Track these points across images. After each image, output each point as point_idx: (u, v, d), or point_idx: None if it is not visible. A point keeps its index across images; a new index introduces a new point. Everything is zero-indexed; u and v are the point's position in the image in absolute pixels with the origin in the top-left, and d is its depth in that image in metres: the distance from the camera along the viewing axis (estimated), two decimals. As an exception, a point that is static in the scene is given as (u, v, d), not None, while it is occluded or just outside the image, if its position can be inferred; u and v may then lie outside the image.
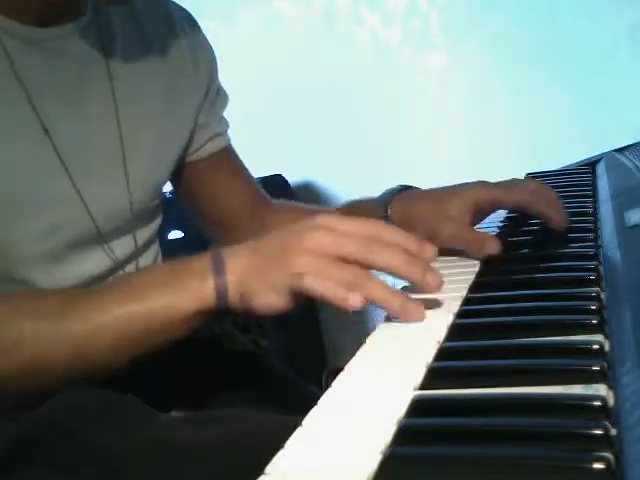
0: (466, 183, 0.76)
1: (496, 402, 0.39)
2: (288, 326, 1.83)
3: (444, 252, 0.72)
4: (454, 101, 1.82)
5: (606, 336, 0.45)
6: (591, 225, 0.72)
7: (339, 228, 0.55)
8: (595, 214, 0.77)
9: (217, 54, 0.89)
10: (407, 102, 1.85)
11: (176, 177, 0.87)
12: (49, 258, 0.69)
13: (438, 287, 0.54)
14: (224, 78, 0.90)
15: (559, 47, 1.69)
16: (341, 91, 1.91)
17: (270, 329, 1.73)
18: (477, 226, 0.78)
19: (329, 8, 1.89)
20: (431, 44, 1.81)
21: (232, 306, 0.57)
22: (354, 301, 0.52)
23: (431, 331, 0.51)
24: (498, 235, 0.75)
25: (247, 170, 0.93)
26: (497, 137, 1.78)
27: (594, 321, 0.47)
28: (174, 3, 0.84)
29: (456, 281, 0.61)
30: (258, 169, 1.66)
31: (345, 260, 0.54)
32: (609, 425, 0.34)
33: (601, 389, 0.38)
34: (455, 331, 0.50)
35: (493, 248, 0.67)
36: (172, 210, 0.91)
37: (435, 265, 0.57)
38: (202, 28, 0.87)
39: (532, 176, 1.10)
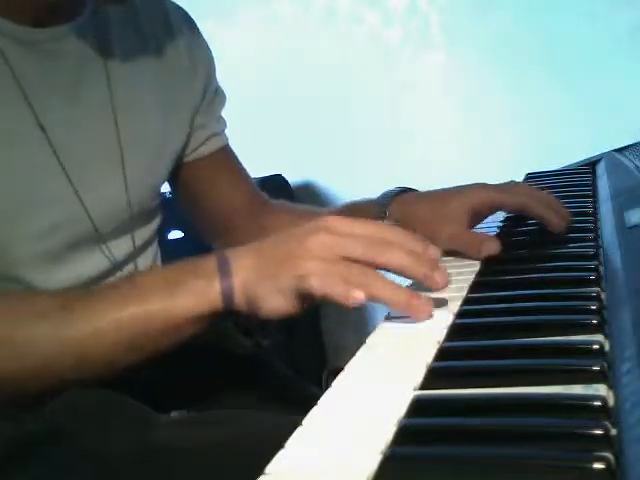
0: (465, 185, 0.76)
1: (496, 402, 0.39)
2: (288, 326, 1.83)
3: (444, 252, 0.72)
4: (454, 101, 1.82)
5: (606, 336, 0.45)
6: (591, 225, 0.72)
7: (344, 230, 0.55)
8: (595, 214, 0.77)
9: (216, 54, 0.89)
10: (407, 102, 1.85)
11: (174, 177, 0.87)
12: (47, 258, 0.69)
13: (445, 285, 0.54)
14: (224, 78, 0.90)
15: (559, 47, 1.69)
16: (341, 91, 1.91)
17: (271, 330, 1.73)
18: (478, 226, 0.78)
19: (329, 8, 1.89)
20: (431, 44, 1.81)
21: (237, 309, 0.57)
22: (355, 295, 0.51)
23: (431, 331, 0.51)
24: (498, 235, 0.75)
25: (245, 170, 0.93)
26: (497, 137, 1.78)
27: (594, 321, 0.47)
28: (172, 2, 0.84)
29: (456, 281, 0.61)
30: (258, 169, 1.67)
31: (350, 260, 0.54)
32: (609, 425, 0.34)
33: (601, 389, 0.38)
34: (455, 331, 0.50)
35: (492, 249, 0.67)
36: (172, 210, 0.91)
37: None
38: (201, 28, 0.87)
39: (532, 176, 1.10)
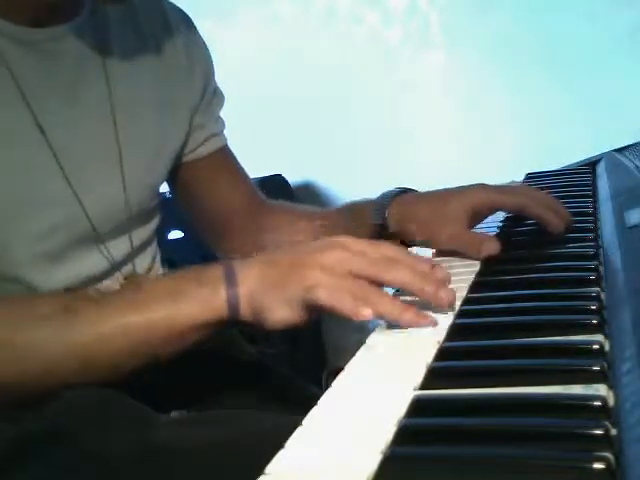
0: (464, 186, 0.76)
1: (496, 402, 0.39)
2: (294, 327, 1.82)
3: (444, 253, 0.72)
4: (454, 101, 1.82)
5: (606, 336, 0.45)
6: (591, 225, 0.72)
7: (354, 247, 0.56)
8: (595, 214, 0.77)
9: (216, 54, 0.89)
10: (407, 102, 1.85)
11: (173, 177, 0.87)
12: (46, 258, 0.69)
13: (451, 304, 0.54)
14: (223, 78, 0.90)
15: (559, 47, 1.69)
16: (341, 91, 1.91)
17: (275, 338, 1.72)
18: (478, 226, 0.78)
19: (329, 8, 1.89)
20: (431, 44, 1.81)
21: (243, 318, 0.57)
22: (364, 313, 0.52)
23: (431, 331, 0.51)
24: (498, 235, 0.75)
25: (244, 170, 0.93)
26: (497, 137, 1.78)
27: (594, 321, 0.47)
28: (170, 3, 0.84)
29: (456, 281, 0.61)
30: (258, 169, 1.67)
31: (358, 277, 0.54)
32: (609, 425, 0.34)
33: (601, 389, 0.38)
34: (455, 331, 0.50)
35: (492, 249, 0.67)
36: (172, 210, 0.91)
37: None
38: (201, 28, 0.87)
39: (532, 176, 1.10)
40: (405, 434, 0.36)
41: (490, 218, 0.79)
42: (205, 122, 0.86)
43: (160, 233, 0.87)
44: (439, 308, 0.54)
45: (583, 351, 0.43)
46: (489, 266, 0.65)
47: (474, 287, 0.60)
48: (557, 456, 0.33)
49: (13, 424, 0.54)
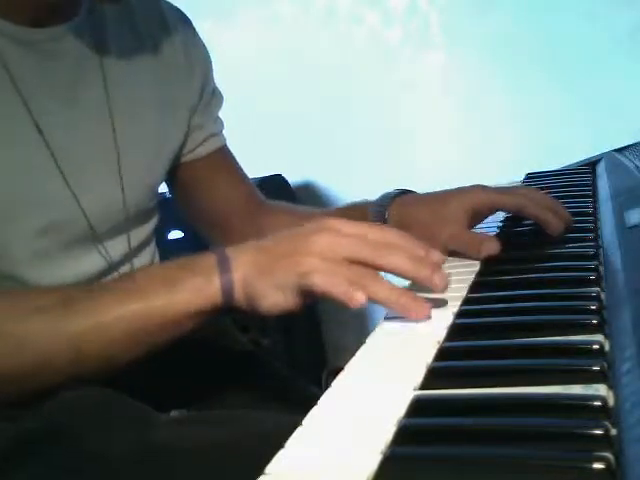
0: (464, 187, 0.76)
1: (496, 402, 0.39)
2: (288, 326, 1.83)
3: (444, 253, 0.72)
4: (454, 101, 1.82)
5: (606, 336, 0.45)
6: (591, 225, 0.72)
7: (347, 231, 0.56)
8: (595, 214, 0.77)
9: (216, 54, 0.88)
10: (407, 102, 1.85)
11: (171, 178, 0.87)
12: (44, 257, 0.69)
13: (445, 287, 0.55)
14: (223, 78, 0.90)
15: (559, 47, 1.69)
16: (341, 91, 1.91)
17: (270, 329, 1.73)
18: (477, 226, 0.78)
19: (329, 8, 1.89)
20: (431, 44, 1.81)
21: (237, 305, 0.57)
22: (358, 297, 0.52)
23: (431, 331, 0.51)
24: (498, 235, 0.75)
25: (243, 171, 0.93)
26: (497, 137, 1.77)
27: (594, 321, 0.47)
28: (167, 3, 0.84)
29: (456, 281, 0.61)
30: (258, 169, 1.67)
31: (352, 262, 0.54)
32: (609, 425, 0.34)
33: (601, 389, 0.38)
34: (455, 331, 0.50)
35: (492, 249, 0.67)
36: (172, 210, 0.91)
37: None
38: (200, 28, 0.87)
39: (532, 176, 1.10)
40: (405, 434, 0.36)
41: (490, 218, 0.79)
42: (204, 122, 0.86)
43: (160, 233, 0.87)
44: (434, 291, 0.54)
45: (583, 351, 0.43)
46: (489, 266, 0.65)
47: (474, 287, 0.60)
48: (557, 456, 0.33)
49: (12, 423, 0.54)
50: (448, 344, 0.48)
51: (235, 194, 0.91)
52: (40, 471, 0.50)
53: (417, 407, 0.39)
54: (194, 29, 0.86)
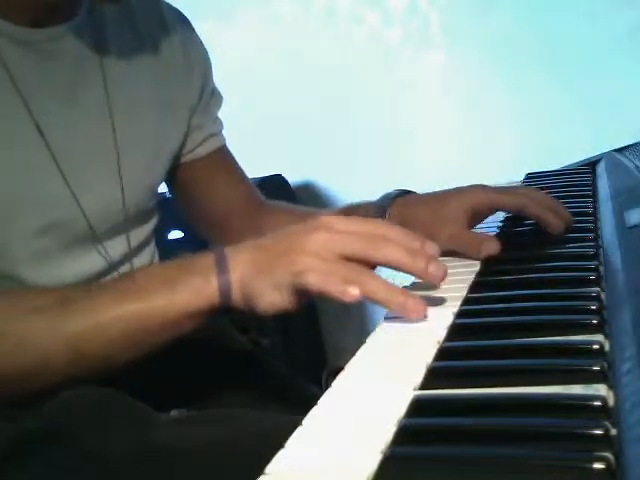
0: (464, 186, 0.76)
1: (496, 402, 0.39)
2: (288, 326, 1.83)
3: (444, 253, 0.72)
4: (454, 101, 1.82)
5: (606, 336, 0.45)
6: (591, 225, 0.72)
7: (341, 228, 0.56)
8: (595, 214, 0.77)
9: (216, 54, 0.88)
10: (407, 102, 1.85)
11: (171, 178, 0.87)
12: (43, 257, 0.69)
13: (442, 278, 0.54)
14: (223, 78, 0.90)
15: (559, 47, 1.69)
16: (341, 91, 1.91)
17: (270, 329, 1.73)
18: (477, 226, 0.78)
19: (329, 8, 1.89)
20: (431, 44, 1.81)
21: (235, 305, 0.57)
22: (352, 292, 0.51)
23: (431, 331, 0.51)
24: (498, 235, 0.75)
25: (242, 171, 0.93)
26: (497, 137, 1.77)
27: (594, 321, 0.47)
28: (166, 3, 0.84)
29: (456, 281, 0.61)
30: (258, 169, 1.67)
31: (347, 258, 0.54)
32: (609, 425, 0.34)
33: (601, 389, 0.38)
34: (455, 331, 0.50)
35: (492, 249, 0.67)
36: (172, 210, 0.91)
37: None
38: (200, 28, 0.87)
39: (532, 176, 1.10)
40: (405, 434, 0.36)
41: (490, 218, 0.79)
42: (203, 123, 0.86)
43: (160, 233, 0.87)
44: (431, 284, 0.54)
45: (583, 351, 0.43)
46: (489, 266, 0.65)
47: (474, 287, 0.60)
48: (557, 456, 0.33)
49: (12, 423, 0.54)
50: (448, 344, 0.48)
51: (235, 194, 0.91)
52: (40, 471, 0.50)
53: (417, 407, 0.39)
54: (193, 29, 0.86)
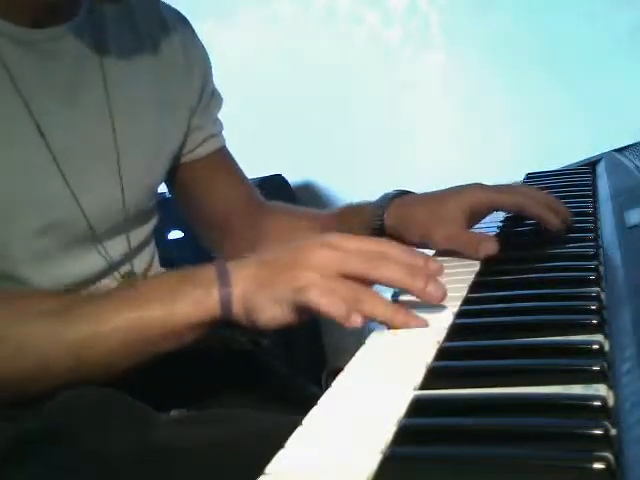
0: (462, 185, 0.76)
1: (496, 402, 0.39)
2: (288, 326, 1.83)
3: (444, 253, 0.72)
4: (454, 101, 1.82)
5: (606, 336, 0.45)
6: (591, 225, 0.72)
7: (342, 245, 0.56)
8: (595, 214, 0.77)
9: (216, 54, 0.88)
10: (407, 102, 1.85)
11: (171, 178, 0.87)
12: (44, 258, 0.69)
13: (441, 298, 0.54)
14: (223, 78, 0.90)
15: (559, 47, 1.69)
16: (341, 91, 1.91)
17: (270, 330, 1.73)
18: (477, 226, 0.78)
19: (329, 8, 1.89)
20: (431, 44, 1.81)
21: (236, 318, 0.57)
22: (355, 320, 0.52)
23: (431, 331, 0.51)
24: (498, 235, 0.75)
25: (242, 171, 0.93)
26: (497, 137, 1.78)
27: (594, 321, 0.47)
28: (165, 4, 0.84)
29: (456, 281, 0.61)
30: (258, 169, 1.67)
31: (348, 276, 0.54)
32: (609, 425, 0.34)
33: (601, 389, 0.38)
34: (455, 331, 0.50)
35: (490, 249, 0.67)
36: (172, 210, 0.91)
37: None
38: (201, 28, 0.87)
39: (532, 176, 1.10)
40: (405, 434, 0.36)
41: (490, 218, 0.79)
42: (203, 123, 0.86)
43: (160, 233, 0.87)
44: (429, 303, 0.54)
45: (583, 351, 0.43)
46: (489, 266, 0.65)
47: (474, 287, 0.60)
48: (557, 456, 0.33)
49: (12, 423, 0.54)
50: (448, 344, 0.48)
51: (234, 195, 0.91)
52: (40, 471, 0.50)
53: (417, 407, 0.39)
54: (193, 30, 0.86)
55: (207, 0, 1.92)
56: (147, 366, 0.60)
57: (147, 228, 0.82)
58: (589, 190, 0.90)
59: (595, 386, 0.38)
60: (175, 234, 1.72)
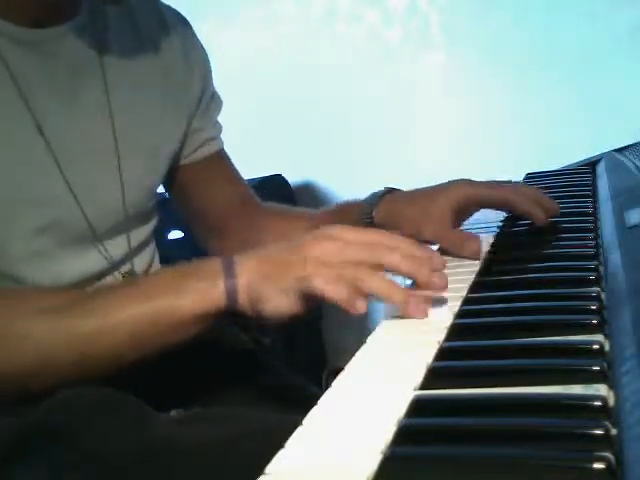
0: (451, 181, 0.76)
1: (496, 402, 0.39)
2: (289, 326, 1.83)
3: (443, 253, 0.72)
4: (454, 101, 1.82)
5: (606, 336, 0.45)
6: (591, 225, 0.72)
7: (345, 237, 0.57)
8: (595, 214, 0.77)
9: (216, 55, 0.88)
10: (407, 102, 1.85)
11: (169, 179, 0.88)
12: (43, 257, 0.70)
13: (444, 287, 0.55)
14: (224, 78, 0.90)
15: (559, 47, 1.69)
16: (341, 91, 1.91)
17: (271, 328, 1.73)
18: (477, 226, 0.78)
19: (329, 8, 1.89)
20: (431, 44, 1.81)
21: (241, 309, 0.58)
22: (360, 306, 0.53)
23: (431, 331, 0.51)
24: (497, 235, 0.75)
25: (238, 173, 0.94)
26: (497, 137, 1.77)
27: (594, 321, 0.47)
28: (165, 4, 0.84)
29: (456, 281, 0.61)
30: (258, 169, 1.67)
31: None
32: (609, 425, 0.34)
33: (601, 389, 0.38)
34: (455, 331, 0.50)
35: (473, 248, 0.67)
36: (172, 210, 0.91)
37: None
38: (201, 28, 0.87)
39: (532, 176, 1.10)
40: (405, 434, 0.36)
41: (490, 218, 0.79)
42: (203, 126, 0.87)
43: (160, 233, 0.87)
44: (433, 289, 0.55)
45: (583, 351, 0.43)
46: (489, 266, 0.65)
47: (474, 287, 0.60)
48: (557, 456, 0.33)
49: (12, 420, 0.54)
50: (448, 344, 0.48)
51: (232, 196, 0.91)
52: (40, 470, 0.50)
53: (417, 407, 0.39)
54: (193, 31, 0.86)
55: (207, 0, 1.92)
56: (147, 365, 0.60)
57: (147, 228, 0.82)
58: (589, 190, 0.90)
59: (595, 386, 0.38)
60: (175, 234, 1.72)
